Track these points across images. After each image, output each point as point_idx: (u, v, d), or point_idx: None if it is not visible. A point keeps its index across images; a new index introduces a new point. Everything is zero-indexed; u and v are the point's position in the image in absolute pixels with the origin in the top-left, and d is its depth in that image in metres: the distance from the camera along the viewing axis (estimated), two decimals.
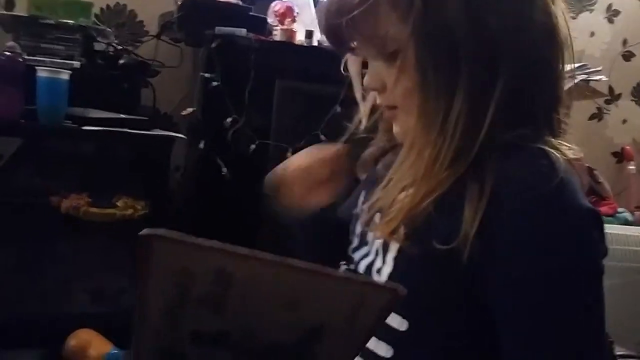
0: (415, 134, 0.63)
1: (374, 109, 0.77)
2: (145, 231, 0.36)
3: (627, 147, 2.67)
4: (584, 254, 0.57)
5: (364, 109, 0.79)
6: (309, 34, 2.08)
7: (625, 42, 2.72)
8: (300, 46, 1.99)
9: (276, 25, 1.99)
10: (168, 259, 0.37)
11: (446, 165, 0.60)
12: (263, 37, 1.93)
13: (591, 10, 2.64)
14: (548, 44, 0.62)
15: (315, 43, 2.09)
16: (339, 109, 1.90)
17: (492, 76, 0.60)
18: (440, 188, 0.60)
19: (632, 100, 2.77)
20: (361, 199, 0.78)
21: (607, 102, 2.74)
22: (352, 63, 0.79)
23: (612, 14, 2.68)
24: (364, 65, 0.75)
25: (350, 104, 1.99)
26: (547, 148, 0.60)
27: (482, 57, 0.60)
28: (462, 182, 0.59)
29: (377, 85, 0.68)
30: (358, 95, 0.81)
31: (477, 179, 0.58)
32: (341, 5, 0.63)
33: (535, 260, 0.56)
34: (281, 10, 1.96)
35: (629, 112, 2.76)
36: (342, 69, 0.80)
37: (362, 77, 0.75)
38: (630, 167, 2.63)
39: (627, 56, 2.74)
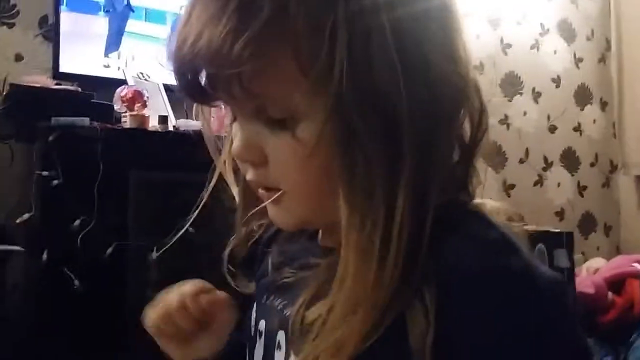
0: (350, 238, 0.45)
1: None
2: None
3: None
4: (575, 338, 0.44)
5: (230, 179, 0.60)
6: (163, 119, 1.90)
7: (549, 117, 3.11)
8: (155, 132, 1.79)
9: (124, 112, 1.79)
10: None
11: (398, 275, 0.43)
12: (110, 125, 1.71)
13: (521, 94, 3.03)
14: (463, 106, 0.49)
15: (171, 128, 1.91)
16: (206, 196, 1.71)
17: (432, 153, 0.46)
18: (396, 307, 0.43)
19: (561, 165, 3.14)
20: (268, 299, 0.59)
21: (544, 169, 3.09)
22: (209, 118, 0.58)
23: (536, 95, 3.07)
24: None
25: (218, 191, 1.81)
26: (484, 213, 0.48)
27: (422, 128, 0.45)
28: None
29: (253, 157, 0.49)
30: (220, 164, 0.60)
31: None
32: (217, 51, 0.43)
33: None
34: (129, 95, 1.76)
35: (562, 176, 3.13)
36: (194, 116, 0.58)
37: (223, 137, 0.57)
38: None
39: (552, 129, 3.12)
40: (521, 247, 0.44)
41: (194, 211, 2.06)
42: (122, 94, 1.78)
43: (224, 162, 0.59)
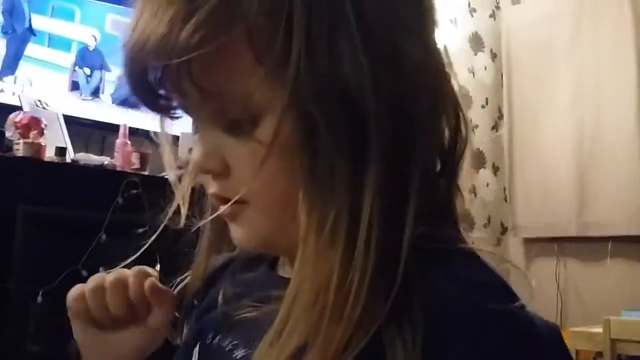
0: (307, 241, 0.39)
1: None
2: None
3: None
4: None
5: (181, 194, 0.52)
6: (61, 152, 1.75)
7: None
8: (51, 163, 1.63)
9: (18, 139, 1.62)
10: None
11: (363, 302, 0.37)
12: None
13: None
14: (450, 111, 0.45)
15: (68, 160, 1.76)
16: (104, 237, 1.57)
17: (406, 155, 0.41)
18: (360, 338, 0.37)
19: None
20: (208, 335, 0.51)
21: None
22: (162, 120, 0.52)
23: None
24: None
25: (118, 231, 1.67)
26: (474, 250, 0.42)
27: (393, 124, 0.40)
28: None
29: (213, 166, 0.44)
30: (171, 174, 0.53)
31: (400, 313, 0.37)
32: (163, 40, 0.39)
33: None
34: (24, 122, 1.60)
35: None
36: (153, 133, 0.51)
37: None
38: None
39: None
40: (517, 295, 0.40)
41: (89, 252, 1.86)
42: (17, 119, 1.61)
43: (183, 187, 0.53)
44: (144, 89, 0.43)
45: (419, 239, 0.40)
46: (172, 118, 0.47)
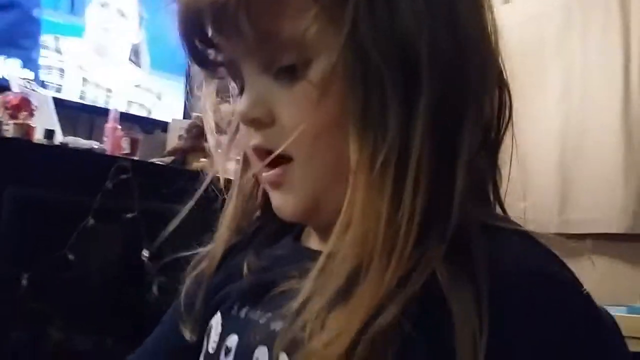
0: (356, 187, 0.40)
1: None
2: None
3: None
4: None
5: (223, 159, 0.53)
6: (49, 134, 1.74)
7: None
8: (39, 145, 1.63)
9: (7, 121, 1.61)
10: None
11: (414, 240, 0.38)
12: None
13: None
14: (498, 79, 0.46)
15: (57, 143, 1.75)
16: (92, 221, 1.57)
17: (455, 112, 0.42)
18: (409, 288, 0.37)
19: None
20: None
21: None
22: (207, 85, 0.52)
23: None
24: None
25: (106, 216, 1.67)
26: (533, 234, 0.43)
27: (444, 83, 0.41)
28: (435, 282, 0.38)
29: (260, 114, 0.44)
30: (211, 139, 0.54)
31: (461, 274, 0.38)
32: None
33: None
34: (14, 102, 1.59)
35: None
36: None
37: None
38: None
39: None
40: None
41: (75, 236, 1.85)
42: (7, 99, 1.60)
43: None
44: (197, 36, 0.44)
45: (471, 208, 0.40)
46: (218, 78, 0.49)
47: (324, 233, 0.45)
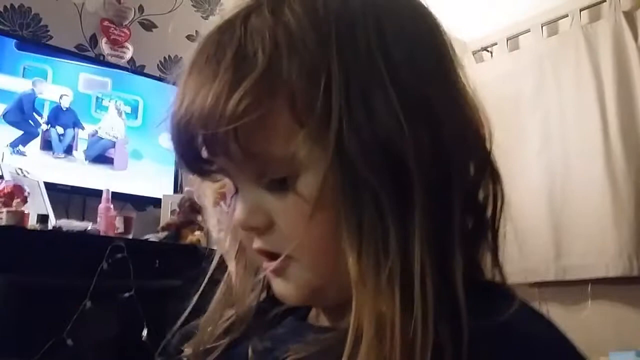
0: (362, 313, 0.40)
1: None
2: None
3: None
4: None
5: (231, 254, 0.53)
6: (43, 219, 1.74)
7: None
8: (34, 230, 1.63)
9: (0, 209, 1.61)
10: None
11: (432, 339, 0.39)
12: None
13: None
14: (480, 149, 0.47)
15: (50, 227, 1.75)
16: (89, 303, 1.55)
17: (446, 202, 0.43)
18: None
19: None
20: None
21: None
22: (208, 188, 0.54)
23: None
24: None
25: (103, 298, 1.65)
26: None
27: (431, 172, 0.42)
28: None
29: (258, 223, 0.45)
30: (216, 235, 0.55)
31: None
32: (211, 109, 0.41)
33: None
34: (7, 190, 1.60)
35: None
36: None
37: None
38: None
39: None
40: None
41: (73, 320, 1.82)
42: None
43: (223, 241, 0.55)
44: (190, 156, 0.45)
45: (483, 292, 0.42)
46: (213, 181, 0.50)
47: (332, 311, 0.47)
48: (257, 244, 0.46)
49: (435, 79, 0.45)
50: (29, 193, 1.67)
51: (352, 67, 0.42)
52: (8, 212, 1.57)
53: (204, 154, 0.44)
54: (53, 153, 2.14)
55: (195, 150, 0.44)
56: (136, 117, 2.36)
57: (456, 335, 0.39)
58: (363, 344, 0.39)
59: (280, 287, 0.47)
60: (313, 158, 0.42)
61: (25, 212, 1.62)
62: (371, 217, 0.41)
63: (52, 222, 1.81)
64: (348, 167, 0.41)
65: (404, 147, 0.41)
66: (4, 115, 2.02)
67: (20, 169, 1.92)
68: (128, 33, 2.43)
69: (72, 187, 2.12)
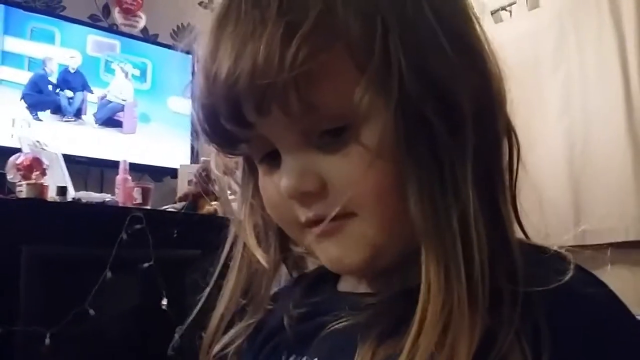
0: (429, 243, 0.40)
1: None
2: None
3: None
4: None
5: (252, 242, 0.51)
6: (62, 191, 1.76)
7: None
8: (54, 203, 1.65)
9: (19, 182, 1.63)
10: None
11: (486, 300, 0.39)
12: (2, 196, 1.55)
13: None
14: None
15: (70, 199, 1.77)
16: (109, 274, 1.57)
17: (496, 149, 0.44)
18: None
19: None
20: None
21: None
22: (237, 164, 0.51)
23: None
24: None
25: (123, 268, 1.67)
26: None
27: (481, 113, 0.42)
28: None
29: (311, 186, 0.42)
30: (242, 213, 0.52)
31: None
32: (269, 61, 0.38)
33: None
34: (26, 163, 1.62)
35: None
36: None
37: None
38: None
39: None
40: None
41: (94, 291, 1.86)
42: (18, 161, 1.63)
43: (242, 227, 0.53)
44: (233, 117, 0.41)
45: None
46: (240, 154, 0.49)
47: (376, 277, 0.47)
48: (309, 212, 0.43)
49: (470, 26, 0.45)
50: (47, 165, 1.68)
51: (402, 9, 0.41)
52: (28, 184, 1.59)
53: (250, 116, 0.41)
54: (63, 117, 2.13)
55: (238, 112, 0.41)
56: (145, 80, 2.35)
57: (512, 280, 0.40)
58: (432, 296, 0.39)
59: (335, 251, 0.44)
60: (374, 104, 0.40)
61: (45, 184, 1.63)
62: (431, 162, 0.41)
63: (72, 194, 1.83)
64: (410, 112, 0.40)
65: (457, 91, 0.41)
66: (24, 98, 2.02)
67: (39, 142, 1.94)
68: (140, 2, 2.41)
69: (90, 158, 2.13)
